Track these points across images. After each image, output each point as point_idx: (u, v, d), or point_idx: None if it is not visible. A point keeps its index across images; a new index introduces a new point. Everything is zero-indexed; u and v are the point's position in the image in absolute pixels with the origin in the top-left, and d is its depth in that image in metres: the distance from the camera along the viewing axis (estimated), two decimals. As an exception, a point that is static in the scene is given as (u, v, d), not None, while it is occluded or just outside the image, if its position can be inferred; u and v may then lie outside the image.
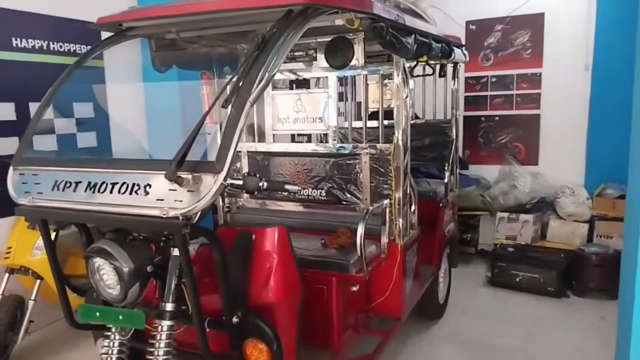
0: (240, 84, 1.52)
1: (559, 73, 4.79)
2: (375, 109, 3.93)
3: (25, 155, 1.76)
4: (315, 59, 2.60)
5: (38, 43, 3.60)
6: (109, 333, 1.79)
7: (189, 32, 2.33)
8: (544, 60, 4.87)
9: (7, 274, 3.12)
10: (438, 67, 3.56)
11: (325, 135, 2.94)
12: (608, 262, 3.88)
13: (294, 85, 4.04)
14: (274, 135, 2.86)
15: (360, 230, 2.24)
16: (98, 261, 1.61)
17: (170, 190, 1.45)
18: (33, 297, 3.12)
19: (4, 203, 3.17)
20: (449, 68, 3.74)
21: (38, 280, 3.14)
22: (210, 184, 1.42)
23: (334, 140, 2.72)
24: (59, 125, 3.74)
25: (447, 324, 3.60)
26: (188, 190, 1.44)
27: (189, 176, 1.45)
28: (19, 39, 3.48)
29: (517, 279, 4.18)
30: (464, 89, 5.05)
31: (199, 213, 1.47)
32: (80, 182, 1.59)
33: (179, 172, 1.42)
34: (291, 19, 1.75)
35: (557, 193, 4.63)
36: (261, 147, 2.94)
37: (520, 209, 4.66)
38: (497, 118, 5.15)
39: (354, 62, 2.42)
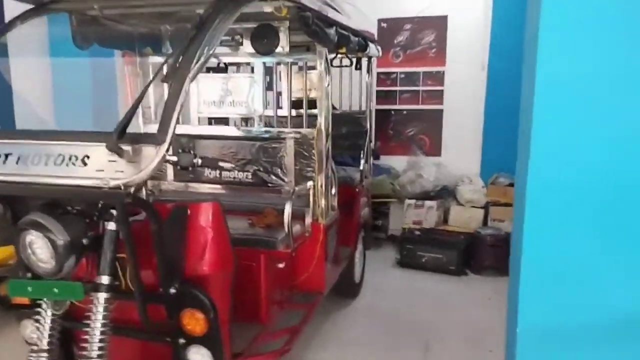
0: (180, 60, 1.58)
1: (459, 72, 5.26)
2: (297, 98, 4.09)
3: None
4: (241, 44, 2.69)
5: None
6: (39, 310, 1.75)
7: (114, 10, 2.30)
8: (446, 60, 5.31)
9: None
10: (354, 60, 3.79)
11: (247, 120, 3.03)
12: (500, 243, 4.36)
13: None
14: (198, 118, 2.90)
15: (288, 208, 2.37)
16: (31, 234, 1.58)
17: (110, 161, 1.48)
18: None
19: None
20: (364, 62, 3.99)
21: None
22: (152, 155, 1.47)
23: (259, 124, 2.82)
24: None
25: (363, 301, 3.85)
26: (128, 162, 1.48)
27: (130, 148, 1.48)
28: None
29: (423, 260, 4.55)
30: (376, 83, 5.36)
31: (137, 185, 1.51)
32: (10, 154, 1.55)
33: (119, 144, 1.46)
34: (226, 1, 1.83)
35: (457, 182, 5.10)
36: (186, 129, 2.96)
37: (426, 196, 5.06)
38: (405, 112, 5.54)
39: (279, 49, 2.55)
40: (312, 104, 2.95)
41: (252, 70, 3.05)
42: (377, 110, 5.47)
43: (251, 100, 2.79)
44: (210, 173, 2.93)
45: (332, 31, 2.58)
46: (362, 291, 4.00)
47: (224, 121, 3.50)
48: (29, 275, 1.74)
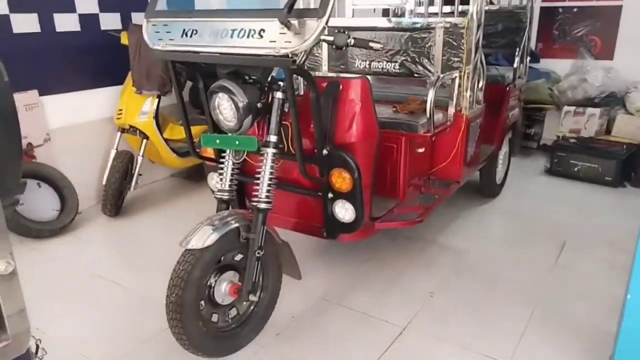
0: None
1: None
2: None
3: (155, 9, 2.11)
4: None
5: None
6: (222, 161, 2.22)
7: None
8: (635, -54, 4.57)
9: (119, 133, 3.69)
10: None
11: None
12: (671, 157, 3.94)
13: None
14: (353, 10, 3.07)
15: (431, 94, 2.51)
16: (220, 96, 1.99)
17: (280, 33, 1.76)
18: (141, 153, 3.69)
19: (114, 74, 3.73)
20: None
21: (144, 140, 3.68)
22: (314, 27, 1.72)
23: (411, 15, 2.90)
24: None
25: (502, 202, 3.90)
26: (295, 34, 1.74)
27: (296, 21, 1.75)
28: None
29: (576, 169, 4.34)
30: (542, -24, 4.88)
31: (303, 53, 1.79)
32: (204, 29, 1.93)
33: (288, 18, 1.72)
34: None
35: (629, 88, 4.57)
36: (341, 21, 3.17)
37: (588, 103, 4.67)
38: (575, 10, 4.99)
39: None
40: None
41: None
42: (541, 8, 5.03)
43: (403, -10, 2.85)
44: (360, 64, 3.14)
45: None
46: (504, 194, 4.03)
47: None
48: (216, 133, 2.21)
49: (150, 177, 4.26)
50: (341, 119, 2.15)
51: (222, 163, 2.21)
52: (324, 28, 1.72)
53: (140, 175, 3.74)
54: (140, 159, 3.69)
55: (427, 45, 2.87)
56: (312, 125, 2.10)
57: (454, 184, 2.97)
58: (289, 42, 1.75)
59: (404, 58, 2.96)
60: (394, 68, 3.00)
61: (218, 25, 1.90)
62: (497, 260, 2.96)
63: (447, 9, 3.61)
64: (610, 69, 4.74)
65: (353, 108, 2.13)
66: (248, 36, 1.83)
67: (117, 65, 3.74)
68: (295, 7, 1.73)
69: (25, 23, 3.34)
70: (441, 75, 2.62)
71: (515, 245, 3.15)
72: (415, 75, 2.96)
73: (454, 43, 2.79)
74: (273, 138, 2.05)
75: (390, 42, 2.96)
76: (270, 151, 2.05)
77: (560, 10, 5.05)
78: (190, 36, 1.97)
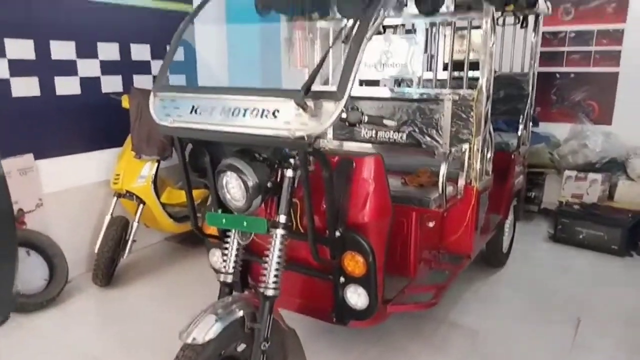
0: (358, 22, 1.71)
1: (643, 30, 4.64)
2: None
3: (164, 83, 2.04)
4: (405, 5, 2.73)
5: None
6: (227, 240, 2.10)
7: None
8: (628, 16, 4.71)
9: (115, 198, 3.56)
10: (520, 17, 3.59)
11: (399, 82, 3.07)
12: (677, 224, 3.89)
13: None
14: (359, 80, 3.05)
15: (444, 169, 2.43)
16: (228, 175, 1.89)
17: (296, 115, 1.69)
18: (136, 219, 3.55)
19: (113, 136, 3.65)
20: (530, 20, 3.75)
21: (141, 205, 3.56)
22: (331, 110, 1.65)
23: (418, 86, 2.88)
24: (155, 65, 4.09)
25: (509, 271, 3.77)
26: (311, 116, 1.67)
27: (312, 103, 1.68)
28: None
29: (580, 236, 4.25)
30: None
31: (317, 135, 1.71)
32: (215, 107, 1.85)
33: (305, 99, 1.65)
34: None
35: (629, 154, 4.59)
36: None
37: (589, 168, 4.66)
38: (572, 75, 5.08)
39: (443, 9, 2.54)
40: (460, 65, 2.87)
41: (408, 32, 3.10)
42: (539, 73, 5.10)
43: (410, 63, 2.84)
44: (366, 133, 3.09)
45: (501, -12, 2.50)
46: (510, 262, 3.91)
47: (375, 83, 3.61)
48: (220, 210, 2.09)
49: (143, 242, 4.10)
50: (354, 198, 2.05)
51: (227, 243, 2.09)
52: (341, 111, 1.64)
53: (134, 241, 3.58)
54: (135, 225, 3.55)
55: (435, 117, 2.84)
56: (323, 204, 1.99)
57: (465, 258, 2.86)
58: (305, 124, 1.67)
59: (411, 129, 2.91)
60: (401, 138, 2.95)
61: (230, 103, 1.83)
62: (513, 339, 2.80)
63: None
64: (609, 134, 4.77)
65: (366, 187, 2.04)
66: (262, 116, 1.75)
67: (116, 127, 3.66)
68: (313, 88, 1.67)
69: (26, 87, 3.28)
70: (452, 150, 2.56)
71: (529, 322, 3.00)
72: (424, 146, 2.90)
73: (463, 115, 2.76)
74: (282, 218, 1.93)
75: (397, 112, 2.92)
76: (279, 232, 1.93)
77: (558, 75, 5.13)
78: (200, 113, 1.89)
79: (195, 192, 3.33)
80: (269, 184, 1.92)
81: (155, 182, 3.57)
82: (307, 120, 1.67)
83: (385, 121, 1.98)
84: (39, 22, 3.29)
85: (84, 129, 3.67)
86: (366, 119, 1.91)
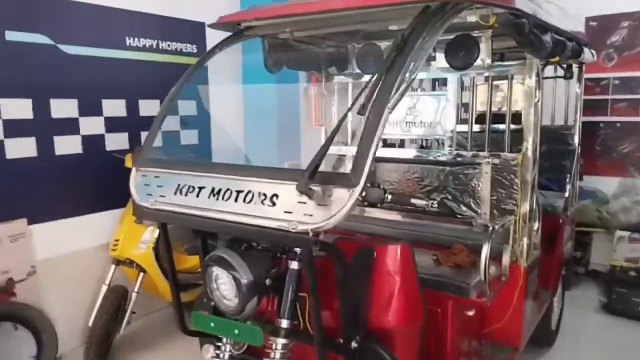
0: (378, 88, 1.36)
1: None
2: (481, 112, 3.63)
3: (148, 157, 1.73)
4: (434, 58, 2.40)
5: (149, 42, 3.70)
6: (219, 344, 1.72)
7: (304, 32, 2.22)
8: (679, 60, 4.28)
9: (113, 265, 3.23)
10: (565, 67, 3.21)
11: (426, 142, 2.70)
12: None
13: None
14: (383, 139, 2.70)
15: (486, 250, 2.01)
16: (216, 271, 1.53)
17: (299, 202, 1.33)
18: (136, 289, 3.21)
19: (115, 196, 3.36)
20: (574, 69, 3.37)
21: (141, 273, 3.22)
22: (344, 198, 1.28)
23: (451, 147, 2.50)
24: (165, 121, 3.85)
25: (560, 353, 3.24)
26: (318, 204, 1.31)
27: (320, 188, 1.32)
28: (131, 38, 3.59)
29: (639, 308, 3.70)
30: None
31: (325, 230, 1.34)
32: (203, 187, 1.52)
33: (310, 184, 1.29)
34: (429, 16, 1.57)
35: (691, 212, 4.06)
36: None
37: (645, 229, 4.14)
38: (618, 125, 4.61)
39: (478, 62, 2.20)
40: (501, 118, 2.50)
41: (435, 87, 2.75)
42: (582, 123, 4.68)
43: (441, 120, 2.48)
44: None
45: (547, 38, 2.14)
46: (559, 341, 3.38)
47: (400, 142, 3.27)
48: (213, 303, 1.72)
49: (144, 309, 3.73)
50: (376, 296, 1.65)
51: (219, 348, 1.71)
52: (356, 200, 1.28)
53: (133, 313, 3.22)
54: (134, 295, 3.20)
55: (471, 183, 2.44)
56: (336, 304, 1.60)
57: (512, 351, 2.39)
58: (310, 215, 1.31)
59: (443, 196, 2.52)
60: (431, 206, 2.54)
61: (219, 183, 1.49)
62: None
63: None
64: (665, 189, 4.25)
65: (391, 282, 1.64)
66: (257, 202, 1.40)
67: (119, 188, 3.36)
68: (320, 169, 1.31)
69: (21, 148, 3.04)
70: (496, 226, 2.14)
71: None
72: (459, 216, 2.49)
73: (505, 181, 2.36)
74: (285, 323, 1.55)
75: (427, 176, 2.54)
76: (280, 342, 1.54)
77: (602, 125, 4.68)
78: (186, 194, 1.55)
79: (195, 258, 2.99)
80: (267, 281, 1.55)
81: (156, 248, 3.24)
82: (313, 209, 1.31)
83: (415, 201, 1.61)
84: (39, 80, 3.09)
85: (84, 189, 3.40)
86: (389, 197, 1.54)
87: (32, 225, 3.11)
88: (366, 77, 2.83)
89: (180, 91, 1.86)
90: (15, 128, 2.99)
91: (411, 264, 1.68)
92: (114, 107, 3.50)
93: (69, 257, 3.29)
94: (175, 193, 1.58)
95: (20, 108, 3.01)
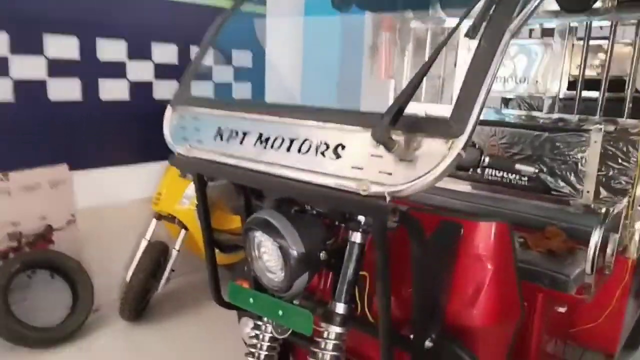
0: (495, 6, 0.97)
1: None
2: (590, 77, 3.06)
3: (186, 94, 1.42)
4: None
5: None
6: (259, 323, 1.43)
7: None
8: None
9: (154, 220, 3.04)
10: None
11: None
12: None
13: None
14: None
15: (597, 236, 1.60)
16: (259, 237, 1.22)
17: (373, 156, 0.98)
18: (177, 246, 3.02)
19: (160, 148, 3.14)
20: None
21: (183, 230, 3.01)
22: (439, 153, 0.92)
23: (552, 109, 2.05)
24: (217, 71, 3.57)
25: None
26: (400, 159, 0.95)
27: (402, 138, 0.95)
28: (185, -23, 3.28)
29: None
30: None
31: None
32: (248, 132, 1.19)
33: (390, 131, 0.93)
34: None
35: None
36: (441, 109, 2.37)
37: None
38: None
39: (597, 4, 1.72)
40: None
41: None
42: None
43: (543, 77, 2.02)
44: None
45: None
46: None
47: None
48: (254, 274, 1.41)
49: (185, 267, 3.54)
50: (460, 285, 1.29)
51: (258, 327, 1.42)
52: (458, 155, 0.91)
53: (172, 271, 3.04)
54: (175, 252, 3.01)
55: (574, 154, 1.99)
56: (404, 290, 1.26)
57: (603, 358, 1.98)
58: (388, 173, 0.95)
59: (538, 168, 2.08)
60: (520, 179, 2.11)
61: (269, 128, 1.15)
62: None
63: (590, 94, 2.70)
64: None
65: (482, 269, 1.27)
66: (316, 153, 1.06)
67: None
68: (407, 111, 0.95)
69: (65, 89, 2.85)
70: (612, 209, 1.70)
71: None
72: (554, 192, 2.06)
73: (620, 154, 1.90)
74: (341, 308, 1.23)
75: (518, 142, 2.10)
76: (334, 331, 1.22)
77: None
78: (227, 140, 1.23)
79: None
80: (322, 255, 1.22)
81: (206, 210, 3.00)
82: (393, 166, 0.95)
83: (519, 166, 1.22)
84: (85, 17, 2.85)
85: (129, 138, 3.21)
86: (487, 160, 1.16)
87: (74, 171, 2.94)
88: (450, 23, 2.39)
89: (230, 17, 1.52)
90: (59, 68, 2.79)
91: (509, 247, 1.31)
92: (165, 53, 3.24)
93: (110, 207, 3.13)
94: (214, 138, 1.26)
95: (65, 46, 2.80)
